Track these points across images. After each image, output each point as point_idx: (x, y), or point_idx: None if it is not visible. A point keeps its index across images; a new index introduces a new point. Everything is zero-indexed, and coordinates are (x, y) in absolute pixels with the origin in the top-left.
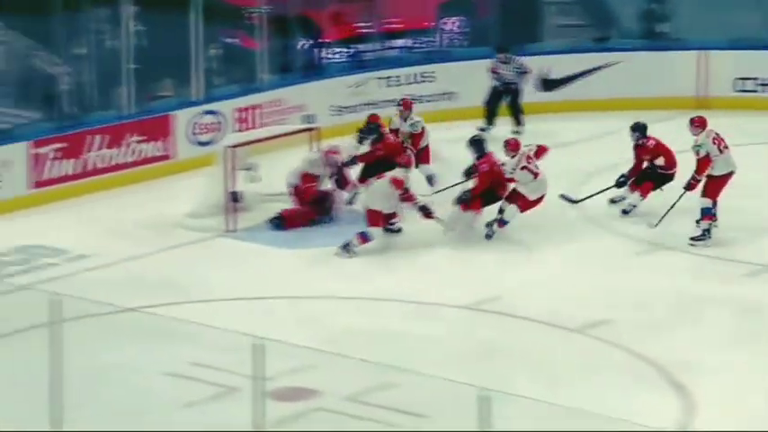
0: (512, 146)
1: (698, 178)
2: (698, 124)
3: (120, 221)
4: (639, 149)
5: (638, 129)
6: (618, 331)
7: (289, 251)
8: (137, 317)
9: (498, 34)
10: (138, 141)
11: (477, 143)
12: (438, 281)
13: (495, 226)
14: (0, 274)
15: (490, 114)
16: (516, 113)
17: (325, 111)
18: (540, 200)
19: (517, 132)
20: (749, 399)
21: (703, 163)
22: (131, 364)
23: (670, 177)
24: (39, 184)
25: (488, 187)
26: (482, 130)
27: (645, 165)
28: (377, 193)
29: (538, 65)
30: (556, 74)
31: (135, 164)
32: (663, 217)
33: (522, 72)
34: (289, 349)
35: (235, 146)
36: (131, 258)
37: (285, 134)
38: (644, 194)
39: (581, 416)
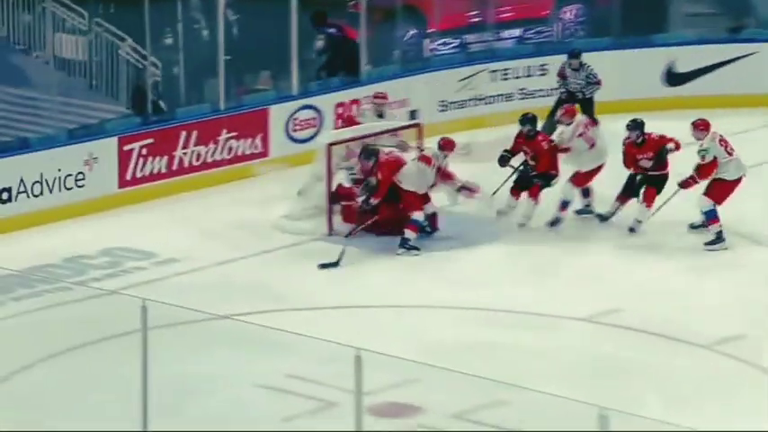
0: (568, 112)
1: (697, 180)
2: (702, 128)
3: (213, 223)
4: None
5: (638, 126)
6: (753, 348)
7: (391, 257)
8: (229, 325)
9: (619, 23)
10: (232, 138)
11: (532, 120)
12: (552, 289)
13: (558, 211)
14: (85, 279)
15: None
16: None
17: (430, 106)
18: (597, 170)
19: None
20: None
21: (709, 168)
22: (223, 375)
23: (664, 178)
24: (127, 183)
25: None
26: None
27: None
28: (408, 174)
29: (664, 57)
30: (683, 67)
31: (228, 162)
32: (653, 213)
33: (593, 83)
34: (391, 362)
35: (334, 143)
36: (224, 262)
37: (387, 131)
38: (649, 205)
39: None
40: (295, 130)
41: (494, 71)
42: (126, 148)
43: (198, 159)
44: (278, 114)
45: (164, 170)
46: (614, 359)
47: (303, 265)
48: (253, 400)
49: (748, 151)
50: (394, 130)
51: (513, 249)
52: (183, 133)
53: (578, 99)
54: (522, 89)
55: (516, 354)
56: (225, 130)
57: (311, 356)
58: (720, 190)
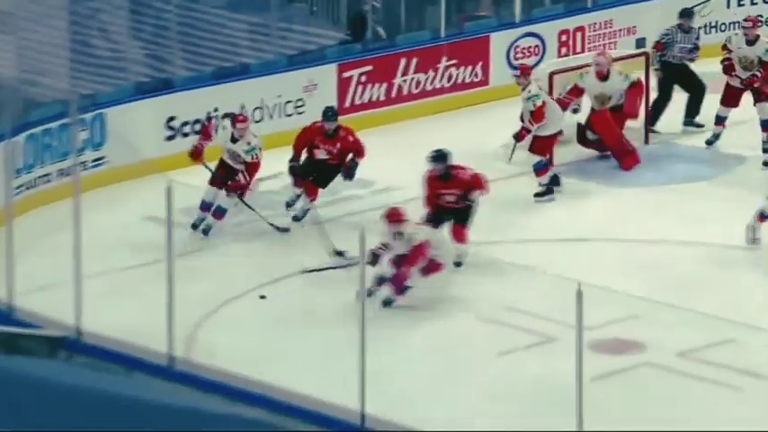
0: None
1: (530, 128)
2: (527, 73)
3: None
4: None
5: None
6: None
7: (617, 189)
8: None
9: None
10: (452, 65)
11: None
12: None
13: None
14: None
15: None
16: (694, 110)
17: (658, 34)
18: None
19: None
20: None
21: (540, 112)
22: (445, 302)
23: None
24: (346, 111)
25: None
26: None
27: None
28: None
29: None
30: None
31: (448, 90)
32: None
33: (695, 48)
34: (614, 297)
35: (557, 71)
36: None
37: (615, 59)
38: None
39: None
40: (516, 59)
41: None
42: (345, 75)
43: (417, 87)
44: (499, 42)
45: (382, 98)
46: None
47: (525, 197)
48: (470, 331)
49: None
50: (623, 58)
51: (737, 187)
52: (403, 60)
53: (679, 69)
54: (762, 16)
55: (749, 292)
56: (445, 58)
57: (532, 290)
58: (543, 144)
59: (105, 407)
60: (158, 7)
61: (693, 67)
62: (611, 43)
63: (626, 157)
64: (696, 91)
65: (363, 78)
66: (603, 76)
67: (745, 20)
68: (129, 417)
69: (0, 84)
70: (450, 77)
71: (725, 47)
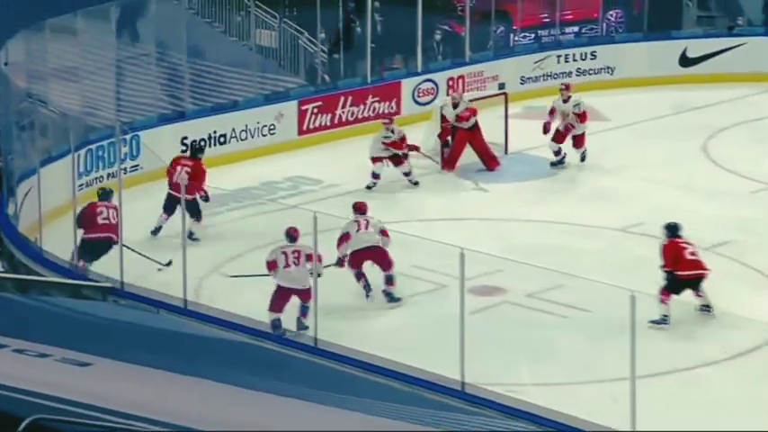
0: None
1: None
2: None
3: (362, 160)
4: None
5: None
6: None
7: (487, 184)
8: None
9: (648, 23)
10: (376, 101)
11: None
12: (593, 208)
13: None
14: (275, 197)
15: None
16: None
17: (514, 80)
18: None
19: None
20: None
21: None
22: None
23: None
24: (303, 132)
25: None
26: None
27: None
28: None
29: (680, 47)
30: (693, 54)
31: (373, 118)
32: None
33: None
34: (484, 257)
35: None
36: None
37: (484, 97)
38: None
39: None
40: (419, 97)
41: (558, 56)
42: (303, 107)
43: (352, 116)
44: (407, 85)
45: (328, 123)
46: (639, 257)
47: (425, 189)
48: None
49: (746, 110)
50: (485, 97)
51: (560, 182)
52: (342, 98)
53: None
54: (578, 69)
55: (572, 253)
56: (371, 96)
57: (430, 253)
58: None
59: (140, 335)
60: (175, 61)
61: None
62: (482, 86)
63: (491, 161)
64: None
65: (315, 110)
66: (455, 105)
67: (562, 84)
68: (156, 342)
69: (68, 115)
70: (374, 109)
71: (552, 111)
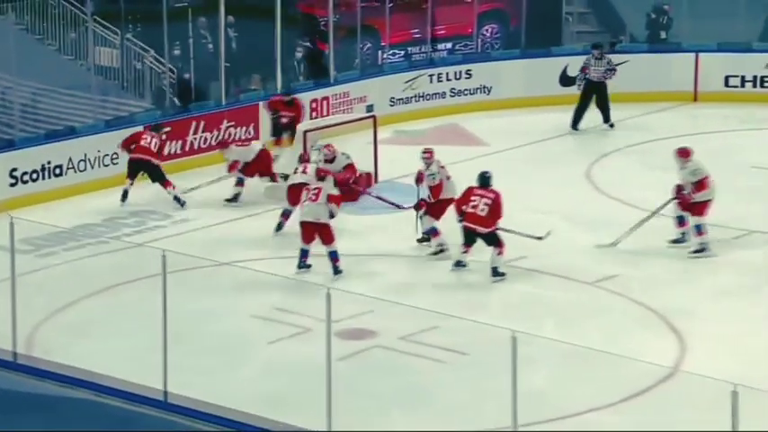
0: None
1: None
2: (429, 156)
3: (218, 192)
4: None
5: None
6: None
7: (351, 217)
8: (228, 269)
9: (525, 39)
10: (231, 126)
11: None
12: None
13: None
14: (119, 234)
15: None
16: (605, 110)
17: (383, 102)
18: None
19: (612, 126)
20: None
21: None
22: (225, 308)
23: None
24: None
25: None
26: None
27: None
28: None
29: (559, 64)
30: (573, 72)
31: (229, 143)
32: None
33: (611, 69)
34: (353, 297)
35: (310, 130)
36: (225, 222)
37: (350, 121)
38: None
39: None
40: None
41: (431, 75)
42: None
43: (205, 143)
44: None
45: (179, 151)
46: (523, 294)
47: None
48: (248, 327)
49: (631, 133)
50: (352, 121)
51: None
52: (194, 123)
53: (597, 87)
54: (452, 89)
55: (447, 290)
56: (225, 121)
57: (292, 293)
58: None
59: None
60: (1, 83)
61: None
62: (348, 109)
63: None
64: (605, 101)
65: (164, 136)
66: (331, 160)
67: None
68: None
69: None
70: (229, 135)
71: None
